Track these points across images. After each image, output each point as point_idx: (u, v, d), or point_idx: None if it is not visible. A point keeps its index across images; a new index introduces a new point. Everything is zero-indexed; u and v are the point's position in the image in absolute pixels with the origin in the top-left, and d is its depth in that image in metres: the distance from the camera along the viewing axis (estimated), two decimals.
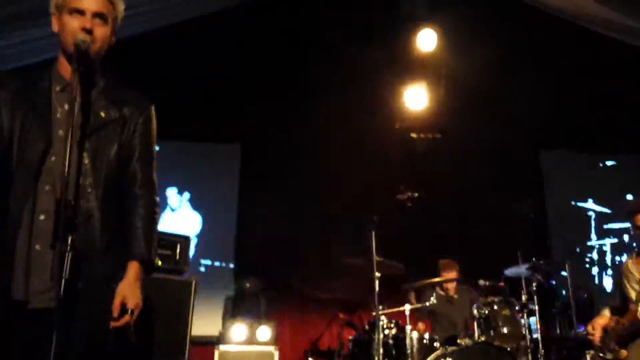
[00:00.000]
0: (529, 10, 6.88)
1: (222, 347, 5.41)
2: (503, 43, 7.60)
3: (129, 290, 1.95)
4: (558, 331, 6.11)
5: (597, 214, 8.20)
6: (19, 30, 4.86)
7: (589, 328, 3.86)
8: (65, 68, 2.06)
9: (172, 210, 7.49)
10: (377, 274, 4.57)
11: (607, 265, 8.04)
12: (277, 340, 5.62)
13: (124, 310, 1.92)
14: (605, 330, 3.76)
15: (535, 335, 5.00)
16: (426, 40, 7.36)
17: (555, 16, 6.63)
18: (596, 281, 7.96)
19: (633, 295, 3.69)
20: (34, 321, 1.87)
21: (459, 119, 7.57)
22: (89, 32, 1.97)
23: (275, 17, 7.61)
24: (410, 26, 7.39)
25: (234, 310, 6.07)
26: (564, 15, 6.52)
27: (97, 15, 2.01)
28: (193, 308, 4.20)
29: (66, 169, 1.73)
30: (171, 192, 7.51)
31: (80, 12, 1.99)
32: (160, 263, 4.18)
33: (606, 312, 3.89)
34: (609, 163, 8.46)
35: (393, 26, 7.55)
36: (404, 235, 7.21)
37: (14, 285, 1.86)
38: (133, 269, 2.01)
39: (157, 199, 2.15)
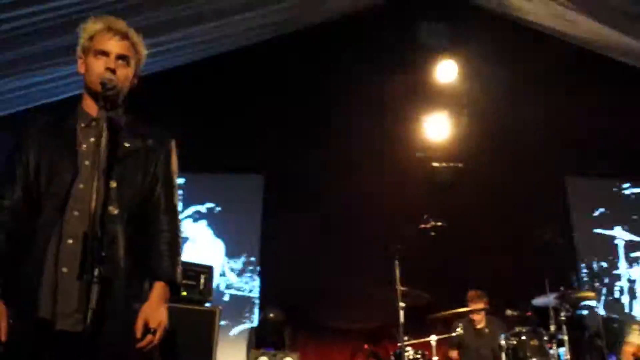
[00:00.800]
0: (549, 39, 6.92)
1: None
2: (523, 71, 7.63)
3: (151, 310, 2.00)
4: None
5: (625, 241, 8.04)
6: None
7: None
8: (89, 106, 2.17)
9: (192, 240, 7.54)
10: (402, 304, 4.53)
11: (636, 293, 7.85)
12: None
13: (147, 330, 1.96)
14: None
15: None
16: (446, 70, 7.44)
17: (572, 43, 6.66)
18: (626, 310, 7.76)
19: None
20: (60, 343, 1.91)
21: (480, 148, 7.55)
22: (113, 72, 2.10)
23: (297, 51, 7.76)
24: (431, 57, 7.48)
25: (257, 340, 6.05)
26: (590, 47, 6.54)
27: (120, 57, 2.15)
28: (217, 338, 4.20)
29: (93, 199, 1.80)
30: (192, 223, 7.58)
31: (105, 54, 2.14)
32: (184, 293, 4.21)
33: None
34: (636, 190, 8.32)
35: (414, 57, 7.64)
36: (428, 264, 7.14)
37: (40, 305, 1.91)
38: (158, 289, 2.06)
39: (181, 224, 2.22)
